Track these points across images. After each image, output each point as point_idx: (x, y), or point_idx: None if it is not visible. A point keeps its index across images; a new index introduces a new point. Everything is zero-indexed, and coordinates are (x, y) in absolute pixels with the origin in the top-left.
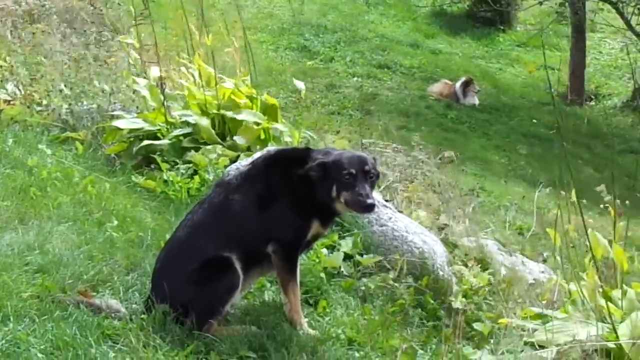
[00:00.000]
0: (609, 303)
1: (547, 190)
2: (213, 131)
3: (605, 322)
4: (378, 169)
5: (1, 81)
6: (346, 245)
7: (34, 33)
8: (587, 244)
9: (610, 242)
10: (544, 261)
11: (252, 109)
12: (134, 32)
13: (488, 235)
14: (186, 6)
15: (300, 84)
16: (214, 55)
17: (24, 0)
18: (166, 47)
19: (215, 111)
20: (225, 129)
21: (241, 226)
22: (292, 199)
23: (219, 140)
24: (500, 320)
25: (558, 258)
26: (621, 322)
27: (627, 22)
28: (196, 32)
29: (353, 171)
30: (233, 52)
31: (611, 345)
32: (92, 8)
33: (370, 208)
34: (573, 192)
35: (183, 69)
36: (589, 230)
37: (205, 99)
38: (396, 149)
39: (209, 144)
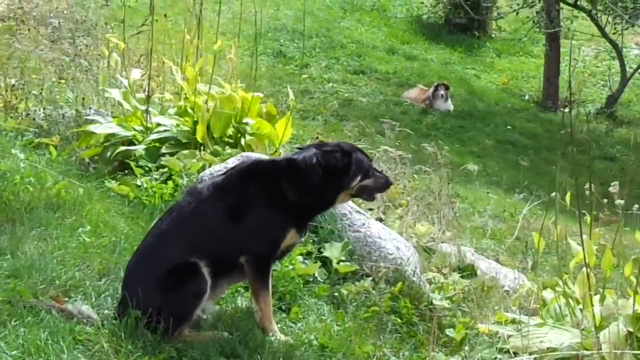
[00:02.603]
0: (593, 310)
1: (521, 196)
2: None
3: (582, 329)
4: None
5: None
6: (330, 250)
7: (13, 36)
8: (565, 250)
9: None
10: (518, 268)
11: (246, 114)
12: (117, 35)
13: (463, 241)
14: (163, 12)
15: (290, 92)
16: (215, 60)
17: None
18: (144, 51)
19: (201, 114)
20: (209, 134)
21: (212, 236)
22: (268, 211)
23: (208, 142)
24: (479, 328)
25: (538, 264)
26: (598, 329)
27: (601, 30)
28: (189, 37)
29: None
30: (233, 57)
31: (587, 353)
32: (71, 13)
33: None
34: (568, 197)
35: (174, 70)
36: (584, 237)
37: (195, 102)
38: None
39: (195, 147)
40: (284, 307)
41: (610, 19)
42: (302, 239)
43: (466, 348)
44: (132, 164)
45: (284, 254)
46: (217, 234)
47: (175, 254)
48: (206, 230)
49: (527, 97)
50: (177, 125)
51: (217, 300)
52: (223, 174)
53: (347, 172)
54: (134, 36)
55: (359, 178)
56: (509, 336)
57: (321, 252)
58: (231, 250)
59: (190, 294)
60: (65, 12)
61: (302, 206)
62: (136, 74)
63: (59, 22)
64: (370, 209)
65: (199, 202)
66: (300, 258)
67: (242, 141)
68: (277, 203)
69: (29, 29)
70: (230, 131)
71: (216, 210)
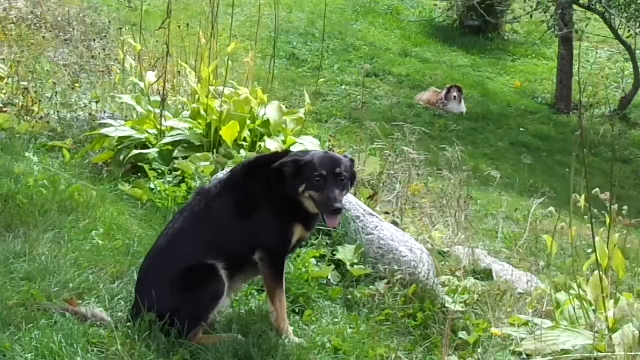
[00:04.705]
0: (607, 312)
1: (539, 200)
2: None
3: (595, 332)
4: (354, 170)
5: None
6: (344, 252)
7: (27, 39)
8: (578, 252)
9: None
10: (531, 270)
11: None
12: (133, 36)
13: (476, 244)
14: (176, 14)
15: (307, 96)
16: (229, 63)
17: (15, 7)
18: (158, 54)
19: (215, 117)
20: (220, 137)
21: (224, 234)
22: (272, 205)
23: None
24: (492, 330)
25: (550, 266)
26: (612, 331)
27: (615, 32)
28: (204, 40)
29: (324, 173)
30: (249, 60)
31: (601, 355)
32: (84, 17)
33: (336, 212)
34: (583, 199)
35: (189, 73)
36: (597, 239)
37: (208, 105)
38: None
39: (208, 150)
40: (297, 310)
41: (624, 20)
42: (310, 235)
43: (479, 350)
44: (146, 167)
45: (294, 249)
46: (229, 230)
47: (191, 255)
48: (219, 228)
49: (540, 100)
50: (190, 129)
51: (233, 295)
52: (229, 171)
53: (294, 178)
54: (152, 38)
55: (304, 186)
56: (522, 339)
57: (334, 255)
58: (244, 247)
59: (207, 297)
60: (81, 15)
61: (290, 200)
62: (151, 76)
63: (73, 26)
64: (386, 212)
65: (209, 200)
66: (313, 261)
67: (260, 145)
68: (277, 198)
69: (42, 33)
70: (245, 134)
71: (225, 206)
